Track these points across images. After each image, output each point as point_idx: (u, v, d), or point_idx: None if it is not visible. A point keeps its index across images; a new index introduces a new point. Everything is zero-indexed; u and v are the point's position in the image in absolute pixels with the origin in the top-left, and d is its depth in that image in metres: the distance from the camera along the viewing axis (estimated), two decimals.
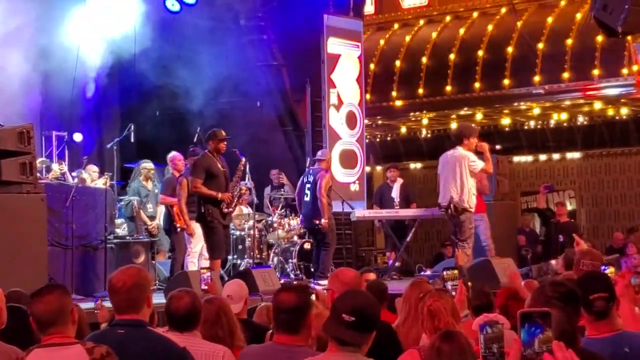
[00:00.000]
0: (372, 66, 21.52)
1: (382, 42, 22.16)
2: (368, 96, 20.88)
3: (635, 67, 18.21)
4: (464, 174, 13.69)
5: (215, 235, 13.04)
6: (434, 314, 5.64)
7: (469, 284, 7.63)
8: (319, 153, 15.81)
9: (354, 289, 5.10)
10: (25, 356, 4.67)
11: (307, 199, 15.15)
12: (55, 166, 14.53)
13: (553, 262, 11.58)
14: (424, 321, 5.69)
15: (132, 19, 17.30)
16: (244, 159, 13.56)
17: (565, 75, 19.13)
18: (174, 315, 5.77)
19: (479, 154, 14.02)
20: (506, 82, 19.86)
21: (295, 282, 13.29)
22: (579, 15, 19.36)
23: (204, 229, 13.29)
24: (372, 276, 10.06)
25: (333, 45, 19.26)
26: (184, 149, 15.09)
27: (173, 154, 15.28)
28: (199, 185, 12.96)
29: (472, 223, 13.81)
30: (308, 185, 15.17)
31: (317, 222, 14.79)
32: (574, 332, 4.17)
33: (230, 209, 13.07)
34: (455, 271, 7.37)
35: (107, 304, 8.39)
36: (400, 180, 18.28)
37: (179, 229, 14.32)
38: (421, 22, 22.39)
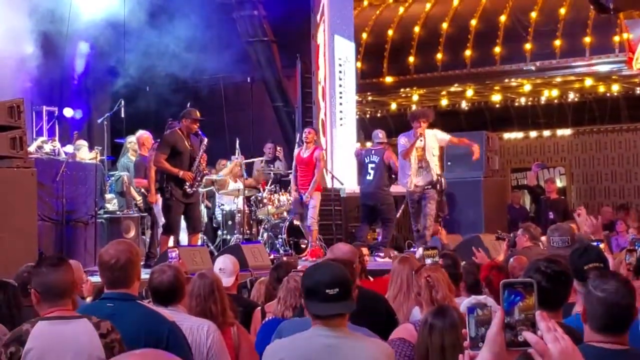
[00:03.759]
0: (362, 43, 21.48)
1: (372, 18, 22.11)
2: (358, 72, 20.85)
3: (626, 44, 18.20)
4: (400, 157, 14.69)
5: (170, 212, 13.02)
6: (432, 285, 5.66)
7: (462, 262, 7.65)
8: (380, 135, 15.97)
9: (321, 263, 5.08)
10: (31, 328, 4.64)
11: (370, 177, 15.65)
12: (47, 146, 14.51)
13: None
14: (422, 292, 5.71)
15: None
16: (206, 139, 13.52)
17: (557, 51, 19.13)
18: (157, 289, 5.77)
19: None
20: (497, 58, 19.85)
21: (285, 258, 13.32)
22: None
23: (162, 203, 13.38)
24: (364, 251, 10.12)
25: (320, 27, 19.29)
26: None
27: (141, 132, 15.27)
28: (161, 161, 12.95)
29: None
30: (372, 165, 15.61)
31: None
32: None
33: (193, 189, 13.02)
34: (435, 250, 7.37)
35: (92, 277, 8.44)
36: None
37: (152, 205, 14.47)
38: None
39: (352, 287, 4.58)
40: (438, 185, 14.40)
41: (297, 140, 15.51)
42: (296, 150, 15.58)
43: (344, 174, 17.92)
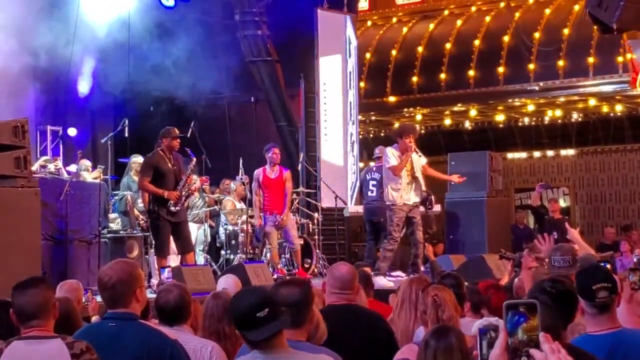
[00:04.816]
0: (366, 63, 21.51)
1: (376, 38, 22.15)
2: (362, 92, 20.87)
3: (630, 64, 18.21)
4: (385, 170, 13.95)
5: (159, 233, 13.06)
6: (438, 304, 5.63)
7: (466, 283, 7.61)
8: (376, 152, 15.78)
9: (242, 290, 5.06)
10: (5, 347, 4.67)
11: (372, 194, 15.37)
12: (51, 166, 14.55)
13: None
14: (427, 311, 5.68)
15: (127, 14, 17.29)
16: (194, 159, 13.50)
17: (560, 71, 19.14)
18: (162, 308, 5.77)
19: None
20: (501, 78, 19.86)
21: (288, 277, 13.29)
22: (576, 8, 19.34)
23: (150, 225, 13.43)
24: (368, 270, 10.09)
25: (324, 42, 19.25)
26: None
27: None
28: (145, 183, 12.98)
29: (392, 221, 13.68)
30: (373, 182, 15.33)
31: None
32: (558, 328, 4.10)
33: (177, 208, 12.97)
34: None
35: (97, 297, 8.44)
36: None
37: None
38: (415, 18, 22.38)
39: (277, 302, 4.54)
40: (427, 202, 14.19)
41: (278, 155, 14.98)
42: (259, 172, 14.85)
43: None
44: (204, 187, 16.10)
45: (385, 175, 14.01)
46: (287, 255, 15.33)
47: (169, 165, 12.99)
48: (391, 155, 13.78)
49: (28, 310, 4.76)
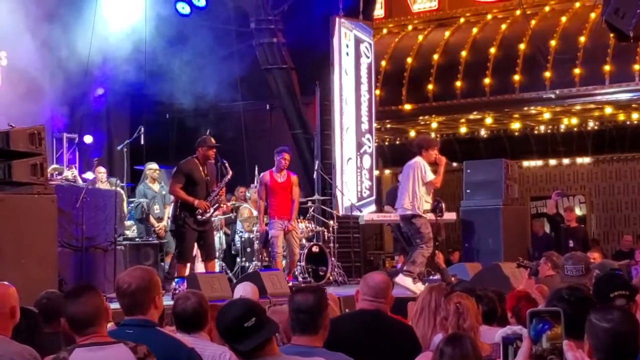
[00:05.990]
0: (381, 70, 21.48)
1: (391, 46, 22.12)
2: (377, 100, 20.84)
3: None
4: (416, 181, 13.47)
5: (184, 240, 13.07)
6: (460, 312, 5.62)
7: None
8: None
9: (227, 303, 5.07)
10: (68, 356, 4.64)
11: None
12: (67, 173, 14.62)
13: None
14: (449, 318, 5.67)
15: (143, 22, 17.34)
16: (231, 173, 13.46)
17: (576, 79, 19.08)
18: (180, 316, 5.77)
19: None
20: (516, 86, 19.81)
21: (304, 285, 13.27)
22: (592, 16, 19.27)
23: (175, 231, 13.40)
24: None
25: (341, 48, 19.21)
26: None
27: None
28: (177, 189, 12.98)
29: (427, 228, 13.38)
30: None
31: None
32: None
33: (205, 217, 12.98)
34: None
35: (111, 304, 8.45)
36: None
37: None
38: (431, 26, 22.36)
39: (262, 310, 4.59)
40: (437, 210, 14.04)
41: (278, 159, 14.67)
42: (266, 176, 14.61)
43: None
44: None
45: (417, 186, 13.46)
46: (303, 263, 15.30)
47: (202, 174, 13.04)
48: (427, 169, 13.52)
49: (82, 318, 4.73)
